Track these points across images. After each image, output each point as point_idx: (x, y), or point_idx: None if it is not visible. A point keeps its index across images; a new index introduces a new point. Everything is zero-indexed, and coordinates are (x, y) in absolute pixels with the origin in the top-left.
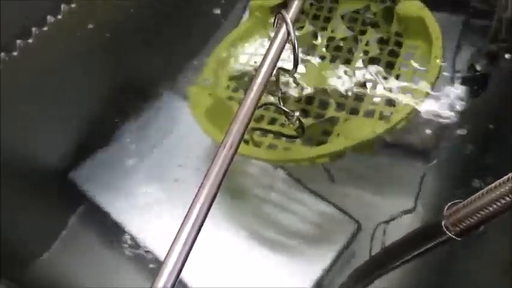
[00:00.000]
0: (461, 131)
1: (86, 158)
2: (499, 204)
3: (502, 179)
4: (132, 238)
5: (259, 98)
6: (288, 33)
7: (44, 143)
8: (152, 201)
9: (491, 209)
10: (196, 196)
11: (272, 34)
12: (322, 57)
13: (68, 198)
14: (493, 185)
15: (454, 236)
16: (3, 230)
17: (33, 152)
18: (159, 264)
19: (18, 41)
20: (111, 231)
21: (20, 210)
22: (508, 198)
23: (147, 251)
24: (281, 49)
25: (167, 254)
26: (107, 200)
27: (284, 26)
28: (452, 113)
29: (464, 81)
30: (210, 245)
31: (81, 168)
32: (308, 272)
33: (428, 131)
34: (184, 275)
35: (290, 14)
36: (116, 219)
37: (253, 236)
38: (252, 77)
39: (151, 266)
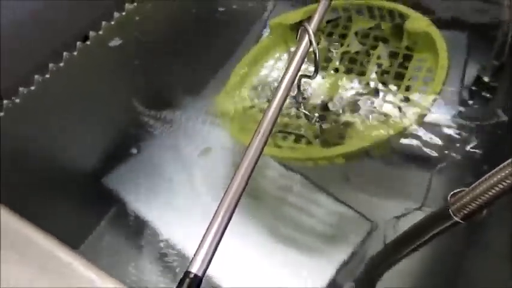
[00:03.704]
0: (467, 137)
1: (118, 164)
2: (498, 188)
3: (500, 166)
4: (162, 240)
5: (286, 97)
6: (310, 43)
7: (80, 151)
8: (182, 204)
9: (491, 193)
10: (234, 176)
11: (292, 49)
12: (338, 69)
13: (101, 201)
14: (492, 172)
15: (460, 220)
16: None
17: (70, 158)
18: (187, 263)
19: (64, 53)
20: (141, 233)
21: (54, 211)
22: (505, 183)
23: (176, 253)
24: (304, 56)
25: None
26: (138, 203)
27: (306, 37)
28: (458, 120)
29: (470, 92)
30: (230, 243)
31: (113, 174)
32: (324, 269)
33: (436, 136)
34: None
35: (312, 26)
36: (146, 222)
37: (272, 235)
38: (272, 88)
39: (179, 267)
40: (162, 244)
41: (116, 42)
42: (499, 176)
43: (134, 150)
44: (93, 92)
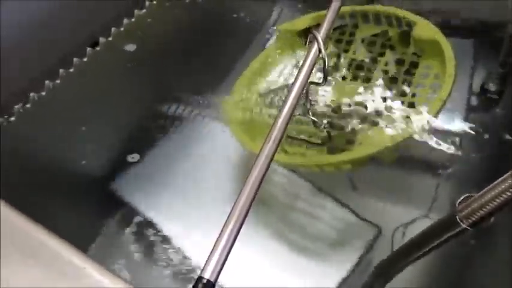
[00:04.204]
0: (474, 143)
1: (126, 168)
2: (507, 195)
3: (509, 172)
4: (169, 245)
5: (296, 103)
6: (319, 51)
7: (88, 156)
8: (189, 209)
9: (500, 200)
10: (247, 180)
11: (298, 55)
12: (345, 77)
13: (108, 205)
14: (500, 178)
15: (467, 227)
16: None
17: (78, 164)
18: (195, 269)
19: (74, 59)
20: (147, 237)
21: (61, 215)
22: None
23: (183, 258)
24: (313, 64)
25: (217, 240)
26: (145, 207)
27: (316, 45)
28: (465, 126)
29: (477, 98)
30: (236, 248)
31: (121, 178)
32: (331, 274)
33: (443, 143)
34: None
35: (321, 34)
36: (153, 226)
37: (279, 240)
38: (279, 93)
39: (185, 271)
40: (169, 249)
41: (126, 47)
42: (507, 183)
43: (141, 156)
44: (102, 98)
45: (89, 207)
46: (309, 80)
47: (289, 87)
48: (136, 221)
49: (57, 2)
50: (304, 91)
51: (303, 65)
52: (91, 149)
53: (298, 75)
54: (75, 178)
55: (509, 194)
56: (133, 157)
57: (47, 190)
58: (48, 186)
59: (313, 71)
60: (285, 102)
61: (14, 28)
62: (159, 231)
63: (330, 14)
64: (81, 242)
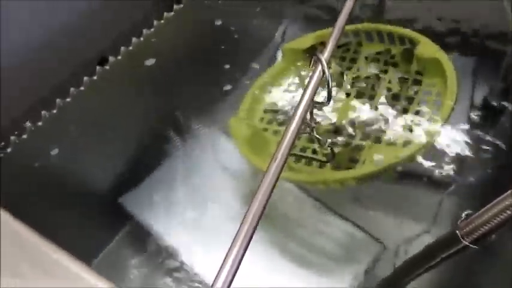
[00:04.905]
0: (477, 160)
1: (134, 184)
2: (509, 212)
3: (506, 193)
4: (176, 260)
5: (301, 126)
6: (323, 72)
7: (98, 171)
8: (196, 225)
9: (502, 217)
10: (254, 198)
11: (303, 73)
12: (348, 94)
13: (116, 220)
14: (503, 195)
15: (470, 244)
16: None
17: (88, 179)
18: (204, 286)
19: (85, 78)
20: (155, 252)
21: (70, 228)
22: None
23: (191, 273)
24: (317, 86)
25: (225, 258)
26: (153, 222)
27: (320, 66)
28: (468, 143)
29: (479, 114)
30: (244, 262)
31: (129, 193)
32: None
33: (446, 159)
34: None
35: (325, 56)
36: (161, 241)
37: (283, 255)
38: (284, 111)
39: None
40: (176, 264)
41: (135, 66)
42: (508, 201)
43: (150, 171)
44: (110, 115)
45: (96, 222)
46: (313, 100)
47: (294, 106)
48: (143, 237)
49: (66, 20)
50: (309, 111)
51: (307, 87)
52: (100, 165)
53: (302, 96)
54: (84, 194)
55: (510, 212)
56: (141, 173)
57: (55, 204)
58: (57, 200)
59: (319, 88)
60: (290, 122)
61: (22, 46)
62: (166, 247)
63: (333, 36)
64: (88, 256)
